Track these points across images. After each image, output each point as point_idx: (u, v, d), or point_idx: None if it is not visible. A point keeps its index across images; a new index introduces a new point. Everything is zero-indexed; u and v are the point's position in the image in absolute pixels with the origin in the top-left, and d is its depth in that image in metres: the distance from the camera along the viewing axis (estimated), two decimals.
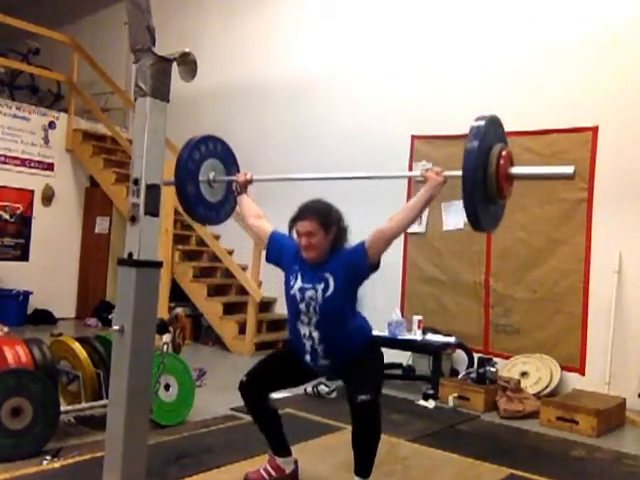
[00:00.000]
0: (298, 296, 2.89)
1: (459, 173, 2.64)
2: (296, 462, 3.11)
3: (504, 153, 2.74)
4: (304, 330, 2.89)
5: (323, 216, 2.91)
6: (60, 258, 8.23)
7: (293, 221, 2.93)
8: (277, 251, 3.10)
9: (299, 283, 2.91)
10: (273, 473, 3.02)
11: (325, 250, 2.90)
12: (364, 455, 2.75)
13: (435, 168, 2.96)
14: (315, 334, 2.87)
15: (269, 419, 3.01)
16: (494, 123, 2.81)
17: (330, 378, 2.85)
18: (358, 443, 2.72)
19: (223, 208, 3.41)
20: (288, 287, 2.96)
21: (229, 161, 3.37)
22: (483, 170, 2.68)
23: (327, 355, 2.88)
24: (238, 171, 3.36)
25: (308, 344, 2.89)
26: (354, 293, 2.98)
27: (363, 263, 2.87)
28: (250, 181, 3.30)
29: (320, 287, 2.85)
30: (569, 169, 2.70)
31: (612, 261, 5.31)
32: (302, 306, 2.88)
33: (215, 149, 3.30)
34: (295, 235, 2.93)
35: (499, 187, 2.78)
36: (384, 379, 3.11)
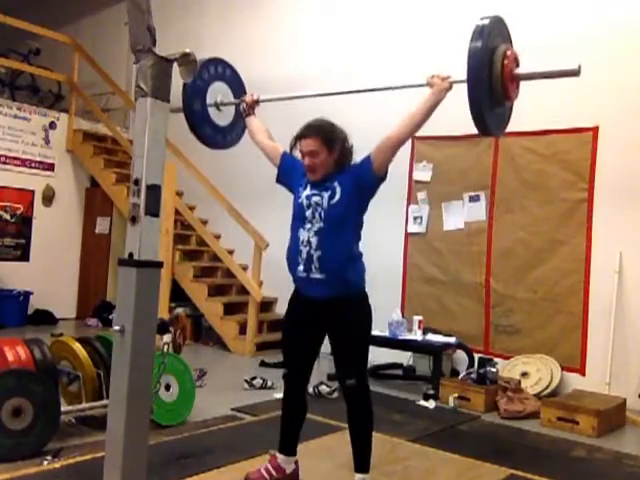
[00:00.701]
0: (305, 203, 2.88)
1: (464, 78, 2.60)
2: (297, 462, 3.11)
3: (509, 53, 2.69)
4: (303, 236, 2.84)
5: (326, 134, 2.93)
6: (61, 258, 8.24)
7: (296, 139, 2.95)
8: (288, 171, 3.11)
9: (307, 191, 2.91)
10: (274, 473, 3.01)
11: (330, 170, 2.89)
12: (359, 445, 2.86)
13: (440, 74, 2.88)
14: (314, 239, 2.81)
15: (298, 414, 3.04)
16: (499, 23, 2.81)
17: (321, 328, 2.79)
18: (352, 428, 2.86)
19: (230, 133, 3.44)
20: (296, 198, 2.95)
21: (237, 86, 3.39)
22: (488, 70, 2.61)
23: (321, 267, 2.80)
24: (244, 92, 3.40)
25: (305, 250, 2.82)
26: (360, 208, 2.94)
27: (369, 172, 2.85)
28: (257, 101, 3.35)
29: (327, 194, 2.84)
30: (574, 65, 2.60)
31: (612, 261, 5.31)
32: (308, 213, 2.85)
33: (224, 73, 3.32)
34: (299, 155, 2.94)
35: (504, 88, 2.67)
36: (370, 342, 3.09)
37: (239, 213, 7.17)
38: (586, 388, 5.12)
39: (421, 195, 6.45)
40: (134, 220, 2.47)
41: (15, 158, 7.80)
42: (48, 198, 8.14)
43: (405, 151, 6.56)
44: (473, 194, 6.11)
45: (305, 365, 3.00)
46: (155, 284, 2.54)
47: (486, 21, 2.66)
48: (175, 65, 2.54)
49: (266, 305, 7.36)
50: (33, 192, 8.00)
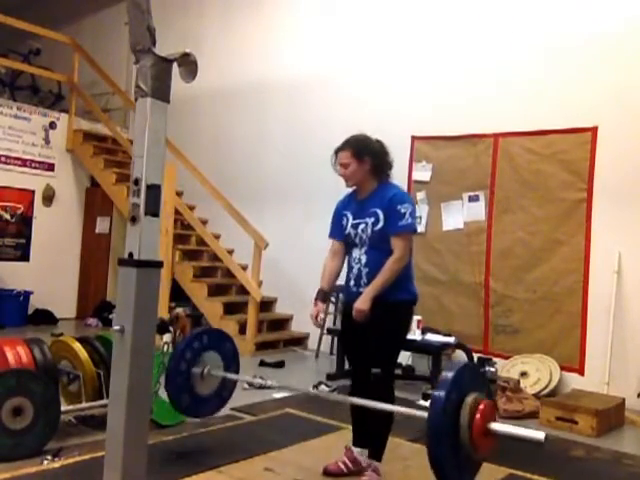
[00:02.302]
0: (352, 232, 3.19)
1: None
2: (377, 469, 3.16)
3: (482, 406, 2.33)
4: (356, 254, 3.18)
5: (356, 147, 3.16)
6: (61, 258, 8.24)
7: (335, 153, 3.24)
8: (333, 225, 3.37)
9: (351, 221, 3.21)
10: (350, 465, 3.16)
11: (364, 179, 3.18)
12: (374, 431, 3.06)
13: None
14: (363, 258, 3.13)
15: (364, 408, 3.09)
16: (470, 370, 2.52)
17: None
18: (369, 416, 3.04)
19: (208, 403, 3.45)
20: (343, 230, 3.25)
21: (230, 359, 3.52)
22: (453, 426, 2.29)
23: (368, 281, 3.07)
24: (237, 371, 3.56)
25: (356, 267, 3.16)
26: None
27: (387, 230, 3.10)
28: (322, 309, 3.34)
29: (370, 220, 3.12)
30: (540, 436, 2.30)
31: (612, 261, 5.31)
32: (356, 240, 3.17)
33: (219, 344, 3.45)
34: (339, 168, 3.23)
35: (474, 445, 2.30)
36: (403, 346, 3.29)
37: (239, 213, 7.18)
38: (585, 388, 5.12)
39: (420, 195, 6.46)
40: (134, 220, 2.48)
41: (15, 158, 7.80)
42: (48, 198, 8.14)
43: (405, 151, 6.59)
44: (472, 194, 6.12)
45: (369, 366, 3.15)
46: (155, 284, 2.55)
47: (451, 373, 2.35)
48: (175, 65, 2.55)
49: (266, 305, 7.37)
50: (33, 192, 8.00)
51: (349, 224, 3.21)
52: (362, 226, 3.15)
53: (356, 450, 3.21)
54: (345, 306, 3.26)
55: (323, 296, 3.28)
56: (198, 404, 3.37)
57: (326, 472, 3.17)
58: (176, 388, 3.27)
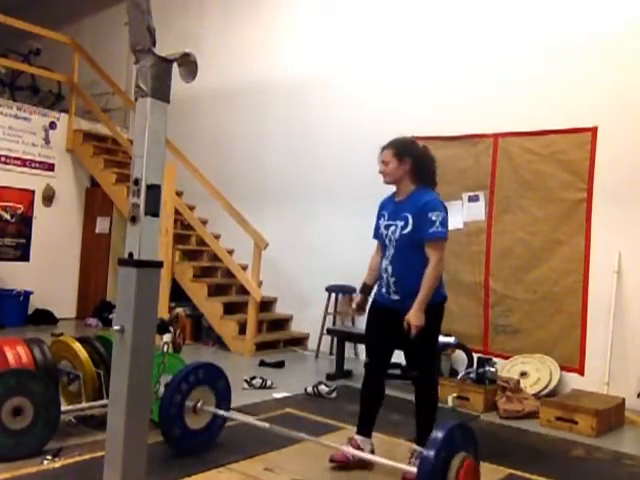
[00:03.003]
0: (384, 232, 3.31)
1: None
2: (373, 444, 3.36)
3: (465, 467, 2.49)
4: (384, 264, 3.30)
5: (398, 147, 3.28)
6: (61, 258, 8.24)
7: (381, 150, 3.37)
8: (376, 224, 3.48)
9: (385, 221, 3.34)
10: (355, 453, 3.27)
11: (400, 179, 3.27)
12: (419, 423, 3.26)
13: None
14: (389, 268, 3.25)
15: (376, 397, 3.38)
16: (459, 430, 2.65)
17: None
18: (416, 410, 3.28)
19: (201, 435, 3.48)
20: (378, 229, 3.39)
21: (223, 394, 3.57)
22: None
23: (397, 290, 3.24)
24: (228, 408, 3.62)
25: (385, 276, 3.29)
26: None
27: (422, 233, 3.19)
28: (362, 305, 3.57)
29: (400, 224, 3.21)
30: None
31: (611, 261, 5.32)
32: (386, 241, 3.28)
33: (214, 379, 3.50)
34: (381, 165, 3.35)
35: None
36: (438, 344, 3.53)
37: (239, 213, 7.18)
38: (585, 388, 5.13)
39: None
40: (134, 220, 2.48)
41: (15, 158, 7.80)
42: (48, 198, 8.14)
43: None
44: (472, 194, 6.12)
45: (387, 360, 3.44)
46: (155, 284, 2.55)
47: (442, 432, 2.50)
48: (175, 65, 2.55)
49: (266, 305, 7.37)
50: (33, 192, 8.00)
51: (383, 224, 3.34)
52: (392, 228, 3.25)
53: (360, 439, 3.33)
54: (376, 305, 3.41)
55: (364, 289, 3.52)
56: (188, 437, 3.40)
57: (332, 460, 3.28)
58: (169, 419, 3.30)
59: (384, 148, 3.34)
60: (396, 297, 3.25)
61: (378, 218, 3.43)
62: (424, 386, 3.28)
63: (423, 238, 3.13)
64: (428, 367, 3.32)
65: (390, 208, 3.34)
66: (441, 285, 3.30)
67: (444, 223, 3.14)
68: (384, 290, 3.32)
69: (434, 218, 3.11)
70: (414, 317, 3.09)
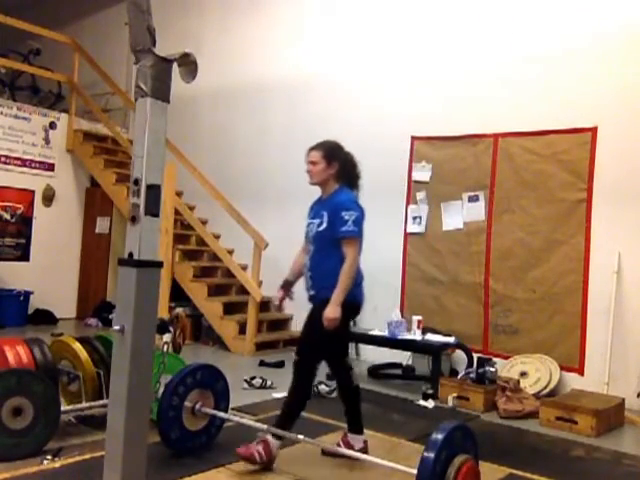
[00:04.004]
0: (306, 230, 3.47)
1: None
2: (366, 442, 3.50)
3: (464, 469, 2.49)
4: (306, 259, 3.43)
5: (327, 150, 3.38)
6: (61, 258, 8.24)
7: (309, 150, 3.47)
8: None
9: (308, 220, 3.49)
10: (344, 448, 3.43)
11: (326, 181, 3.38)
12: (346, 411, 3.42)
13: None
14: (308, 264, 3.39)
15: (350, 394, 3.49)
16: (459, 431, 2.65)
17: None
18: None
19: (199, 437, 3.48)
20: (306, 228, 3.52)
21: (222, 396, 3.58)
22: None
23: (312, 285, 3.37)
24: (226, 410, 3.63)
25: (305, 272, 3.43)
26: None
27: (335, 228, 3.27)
28: (287, 293, 3.64)
29: (317, 221, 3.35)
30: None
31: (611, 261, 5.32)
32: (309, 237, 3.42)
33: (212, 381, 3.50)
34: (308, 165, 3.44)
35: None
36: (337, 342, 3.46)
37: (239, 213, 7.18)
38: (585, 388, 5.13)
39: (420, 195, 6.46)
40: (134, 220, 2.48)
41: (15, 158, 7.81)
42: (48, 198, 8.14)
43: (404, 151, 6.60)
44: (472, 194, 6.12)
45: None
46: (155, 284, 2.55)
47: (442, 434, 2.50)
48: (175, 65, 2.55)
49: (266, 305, 7.36)
50: (33, 192, 8.00)
51: (307, 221, 3.50)
52: (311, 226, 3.41)
53: (350, 436, 3.52)
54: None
55: (284, 284, 3.62)
56: (186, 439, 3.40)
57: (324, 452, 3.47)
58: (167, 421, 3.30)
59: (313, 149, 3.44)
60: (312, 292, 3.38)
61: (310, 210, 3.56)
62: (345, 376, 3.44)
63: (336, 236, 3.22)
64: (336, 358, 3.45)
65: (316, 207, 3.47)
66: (357, 287, 3.35)
67: (357, 222, 3.21)
68: (306, 286, 3.44)
69: (347, 217, 3.20)
70: (328, 310, 3.15)
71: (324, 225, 3.29)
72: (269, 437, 3.24)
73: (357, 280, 3.34)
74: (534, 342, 5.66)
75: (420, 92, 6.55)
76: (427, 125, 6.45)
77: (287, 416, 3.29)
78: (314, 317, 3.30)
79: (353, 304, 3.36)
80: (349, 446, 3.47)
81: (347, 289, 3.18)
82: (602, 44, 5.47)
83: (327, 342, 3.34)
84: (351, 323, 3.64)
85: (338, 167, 3.37)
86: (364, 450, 3.46)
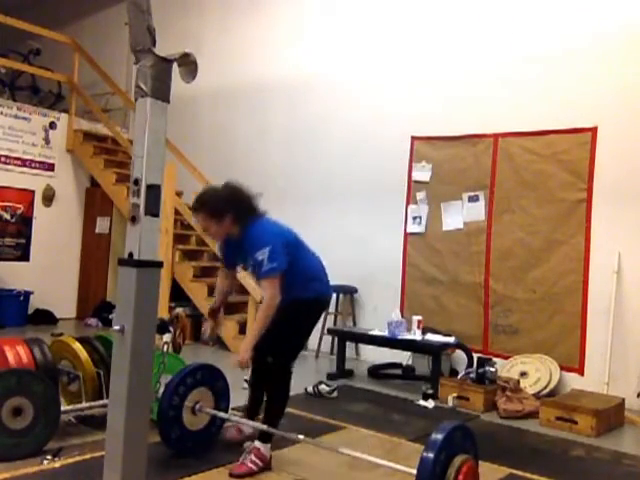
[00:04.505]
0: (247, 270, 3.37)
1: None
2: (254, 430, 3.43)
3: (464, 469, 2.47)
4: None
5: (213, 207, 3.12)
6: (61, 258, 8.25)
7: (192, 212, 3.26)
8: (224, 257, 3.52)
9: (235, 259, 3.37)
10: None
11: (228, 232, 3.19)
12: (266, 414, 3.24)
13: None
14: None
15: (274, 392, 3.37)
16: (459, 431, 2.60)
17: None
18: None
19: (197, 437, 3.47)
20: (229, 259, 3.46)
21: (222, 396, 3.59)
22: None
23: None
24: (227, 410, 3.61)
25: None
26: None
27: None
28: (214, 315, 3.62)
29: (249, 265, 3.19)
30: None
31: (611, 261, 5.32)
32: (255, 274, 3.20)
33: (211, 380, 3.51)
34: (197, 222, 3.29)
35: None
36: (299, 340, 3.44)
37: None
38: (585, 388, 5.13)
39: (420, 195, 6.46)
40: (134, 220, 2.48)
41: (15, 158, 7.81)
42: (48, 198, 8.14)
43: (404, 151, 6.60)
44: (472, 194, 6.12)
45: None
46: (155, 284, 2.55)
47: (442, 434, 2.47)
48: (175, 65, 2.55)
49: None
50: (33, 192, 8.01)
51: (238, 259, 3.35)
52: (244, 265, 3.33)
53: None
54: None
55: (211, 313, 3.61)
56: (186, 438, 3.39)
57: (226, 436, 3.57)
58: (167, 421, 3.29)
59: (196, 212, 3.18)
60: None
61: (226, 247, 3.40)
62: (273, 375, 3.30)
63: (257, 278, 3.16)
64: (280, 357, 3.29)
65: (233, 249, 3.31)
66: (319, 281, 3.33)
67: (272, 256, 3.04)
68: None
69: (260, 257, 3.04)
70: (240, 349, 3.14)
71: (250, 269, 3.21)
72: (256, 443, 3.24)
73: (313, 274, 3.32)
74: (534, 342, 5.66)
75: (420, 92, 6.55)
76: (427, 125, 6.45)
77: (275, 417, 3.28)
78: (283, 316, 3.21)
79: (318, 299, 3.36)
80: (239, 431, 3.58)
81: (262, 329, 3.07)
82: (602, 44, 5.47)
83: (290, 338, 3.32)
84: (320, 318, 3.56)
85: (232, 216, 3.14)
86: (252, 436, 3.42)
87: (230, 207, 3.13)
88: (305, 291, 3.29)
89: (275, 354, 3.25)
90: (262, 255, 3.04)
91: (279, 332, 3.19)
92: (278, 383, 3.30)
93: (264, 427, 3.21)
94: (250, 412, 3.57)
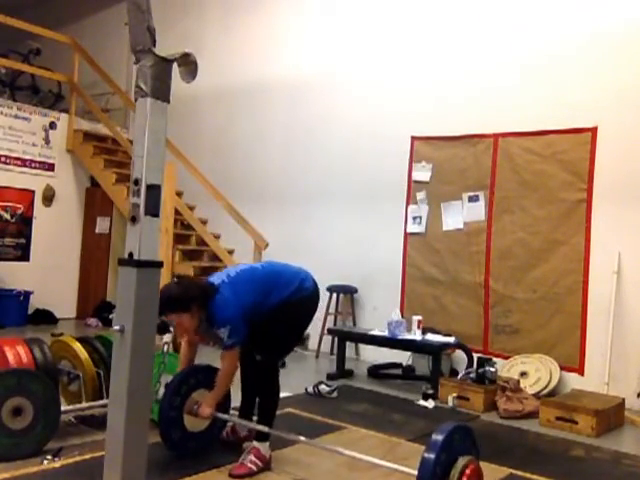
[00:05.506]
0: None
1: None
2: (250, 431, 3.47)
3: (468, 471, 2.46)
4: None
5: (179, 304, 3.16)
6: (61, 258, 8.24)
7: (164, 315, 3.19)
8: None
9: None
10: (230, 434, 3.63)
11: (200, 317, 3.21)
12: (259, 414, 3.30)
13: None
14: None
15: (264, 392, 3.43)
16: (461, 432, 2.59)
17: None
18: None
19: (199, 439, 3.46)
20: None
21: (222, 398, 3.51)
22: None
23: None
24: (227, 411, 3.57)
25: None
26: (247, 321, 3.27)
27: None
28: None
29: (222, 337, 3.19)
30: None
31: (611, 261, 5.32)
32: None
33: (213, 382, 3.42)
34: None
35: None
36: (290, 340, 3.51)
37: (239, 213, 7.18)
38: (585, 388, 5.13)
39: (420, 195, 6.46)
40: (134, 220, 2.48)
41: (15, 158, 7.81)
42: (48, 198, 8.14)
43: (404, 151, 6.60)
44: (472, 194, 6.12)
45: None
46: (155, 284, 2.55)
47: (442, 435, 2.45)
48: (175, 65, 2.55)
49: None
50: (33, 192, 8.00)
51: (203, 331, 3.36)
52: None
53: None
54: None
55: None
56: (187, 439, 3.39)
57: (221, 440, 3.58)
58: (168, 422, 3.29)
59: (166, 315, 3.21)
60: None
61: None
62: (262, 373, 3.37)
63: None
64: (269, 356, 3.37)
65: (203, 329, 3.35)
66: (299, 285, 3.36)
67: (231, 333, 3.16)
68: None
69: (222, 334, 3.16)
70: (203, 406, 3.26)
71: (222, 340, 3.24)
72: (255, 443, 3.25)
73: (290, 289, 3.33)
74: (534, 342, 5.66)
75: (420, 92, 6.55)
76: (427, 125, 6.45)
77: (268, 414, 3.32)
78: (272, 317, 3.29)
79: (308, 297, 3.40)
80: (234, 432, 3.60)
81: (223, 393, 3.31)
82: (602, 44, 5.47)
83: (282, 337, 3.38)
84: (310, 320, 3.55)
85: (198, 306, 3.20)
86: (248, 437, 3.48)
87: (194, 301, 3.19)
88: (291, 294, 3.33)
89: (264, 353, 3.32)
90: (224, 331, 3.17)
91: (268, 332, 3.27)
92: (267, 380, 3.36)
93: (259, 427, 3.22)
94: (244, 412, 3.58)
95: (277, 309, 3.28)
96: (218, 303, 3.20)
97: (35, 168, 8.01)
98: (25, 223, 7.96)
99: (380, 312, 6.37)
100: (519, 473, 3.47)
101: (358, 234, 6.81)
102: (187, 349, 3.55)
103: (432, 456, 2.39)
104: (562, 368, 5.44)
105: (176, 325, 3.25)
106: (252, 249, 6.87)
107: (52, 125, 8.20)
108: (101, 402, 3.66)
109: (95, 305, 8.12)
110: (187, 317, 3.18)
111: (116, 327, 2.47)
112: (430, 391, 5.00)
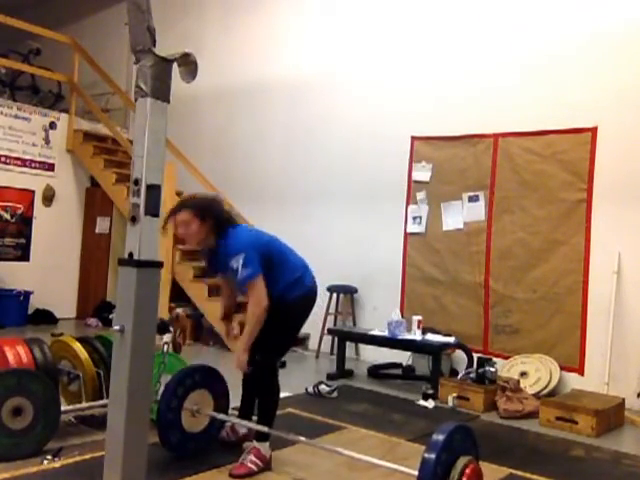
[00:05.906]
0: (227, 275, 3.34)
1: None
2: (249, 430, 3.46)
3: (468, 471, 2.45)
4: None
5: (199, 208, 3.20)
6: (61, 258, 8.24)
7: (171, 214, 3.22)
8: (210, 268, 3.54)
9: (222, 271, 3.36)
10: (230, 434, 3.62)
11: (206, 238, 3.23)
12: (259, 414, 3.28)
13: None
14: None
15: (263, 392, 3.42)
16: (461, 432, 2.58)
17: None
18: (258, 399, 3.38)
19: (198, 440, 3.46)
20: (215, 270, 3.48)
21: (221, 396, 3.59)
22: None
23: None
24: (226, 411, 3.59)
25: None
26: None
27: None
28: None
29: (230, 271, 3.16)
30: None
31: (611, 261, 5.32)
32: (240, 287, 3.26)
33: (209, 381, 3.51)
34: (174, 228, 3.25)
35: None
36: (287, 339, 3.55)
37: (239, 213, 7.18)
38: (585, 388, 5.13)
39: (420, 195, 6.46)
40: (134, 220, 2.48)
41: (15, 158, 7.80)
42: (48, 198, 8.14)
43: (404, 151, 6.60)
44: (472, 194, 6.12)
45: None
46: (155, 284, 2.55)
47: (443, 435, 2.44)
48: (175, 65, 2.55)
49: None
50: (33, 192, 8.00)
51: (219, 268, 3.38)
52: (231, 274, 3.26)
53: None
54: None
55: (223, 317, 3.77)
56: (186, 441, 3.38)
57: (221, 439, 3.57)
58: (166, 423, 3.28)
59: (178, 211, 3.22)
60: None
61: (208, 255, 3.41)
62: (260, 373, 3.36)
63: (240, 286, 3.23)
64: (268, 355, 3.37)
65: (213, 262, 3.38)
66: (302, 279, 3.37)
67: (246, 262, 3.10)
68: None
69: (235, 266, 3.11)
70: (236, 356, 3.27)
71: (232, 273, 3.21)
72: (255, 443, 3.25)
73: (295, 276, 3.34)
74: (534, 342, 5.66)
75: (420, 92, 6.55)
76: (427, 125, 6.45)
77: (268, 414, 3.32)
78: (270, 316, 3.27)
79: (304, 296, 3.39)
80: (234, 432, 3.59)
81: (254, 333, 3.20)
82: (602, 44, 5.47)
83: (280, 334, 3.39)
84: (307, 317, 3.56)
85: (212, 223, 3.22)
86: (248, 436, 3.48)
87: (213, 212, 3.23)
88: (290, 291, 3.33)
89: (263, 352, 3.32)
90: (236, 262, 3.11)
91: (266, 331, 3.26)
92: (266, 380, 3.36)
93: (259, 427, 3.21)
94: (243, 412, 3.58)
95: (275, 307, 3.26)
96: (234, 234, 3.23)
97: (35, 168, 8.01)
98: (25, 223, 7.96)
99: (380, 312, 6.37)
100: (519, 473, 3.47)
101: (358, 234, 6.81)
102: (223, 287, 3.58)
103: (433, 456, 2.39)
104: (562, 368, 5.44)
105: (181, 226, 3.19)
106: None
107: (52, 125, 8.20)
108: (101, 402, 3.66)
109: (95, 305, 8.12)
110: (197, 224, 3.17)
111: (116, 327, 2.47)
112: (430, 391, 5.00)
